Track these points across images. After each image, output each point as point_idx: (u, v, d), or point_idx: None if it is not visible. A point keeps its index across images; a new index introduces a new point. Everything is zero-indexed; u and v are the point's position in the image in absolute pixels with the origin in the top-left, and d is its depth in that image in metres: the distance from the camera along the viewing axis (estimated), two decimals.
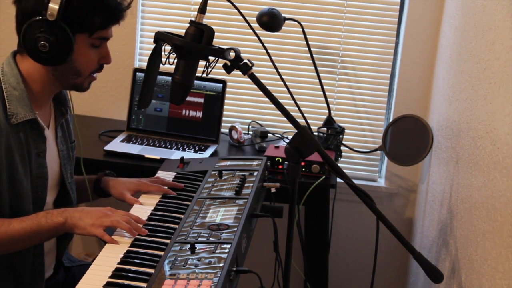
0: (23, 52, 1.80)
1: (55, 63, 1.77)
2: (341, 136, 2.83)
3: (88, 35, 1.78)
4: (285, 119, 1.73)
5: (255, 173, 2.00)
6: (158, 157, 2.61)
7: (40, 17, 1.71)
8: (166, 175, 2.10)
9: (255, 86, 1.71)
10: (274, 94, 1.71)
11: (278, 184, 1.99)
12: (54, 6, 1.69)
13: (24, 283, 1.85)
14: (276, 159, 2.61)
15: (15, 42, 1.84)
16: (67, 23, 1.72)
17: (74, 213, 1.74)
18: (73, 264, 2.13)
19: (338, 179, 2.43)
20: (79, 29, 1.75)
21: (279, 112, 1.72)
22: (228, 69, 1.71)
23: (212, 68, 1.76)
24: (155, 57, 1.77)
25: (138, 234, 1.70)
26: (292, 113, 1.72)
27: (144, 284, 1.46)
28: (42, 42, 1.71)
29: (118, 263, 1.57)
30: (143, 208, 1.88)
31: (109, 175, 2.10)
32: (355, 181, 1.79)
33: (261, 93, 1.71)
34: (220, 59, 1.73)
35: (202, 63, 1.76)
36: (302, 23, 2.80)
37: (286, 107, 1.72)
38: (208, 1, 1.73)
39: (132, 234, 1.69)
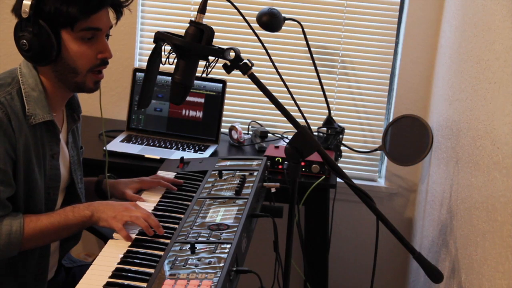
0: None
1: (43, 61, 1.75)
2: (341, 136, 2.83)
3: (71, 28, 1.73)
4: (285, 119, 1.73)
5: (255, 173, 2.00)
6: (158, 157, 2.61)
7: (20, 19, 1.71)
8: (166, 175, 2.10)
9: (255, 86, 1.71)
10: (274, 94, 1.71)
11: (278, 184, 1.99)
12: (26, 2, 1.69)
13: (27, 285, 1.85)
14: (276, 159, 2.61)
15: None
16: (45, 20, 1.71)
17: (100, 206, 1.77)
18: (73, 265, 2.13)
19: (338, 179, 2.42)
20: (59, 24, 1.72)
21: (279, 112, 1.72)
22: (228, 69, 1.71)
23: (212, 68, 1.76)
24: (155, 57, 1.76)
25: (145, 234, 1.70)
26: (292, 113, 1.72)
27: (144, 284, 1.46)
28: (22, 41, 1.71)
29: (118, 263, 1.57)
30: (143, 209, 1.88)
31: (109, 178, 2.10)
32: (355, 181, 1.79)
33: (261, 93, 1.71)
34: (220, 59, 1.73)
35: (202, 63, 1.76)
36: (302, 23, 2.80)
37: (286, 107, 1.72)
38: (208, 1, 1.73)
39: (149, 233, 1.71)
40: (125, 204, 1.78)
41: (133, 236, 1.71)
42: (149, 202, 1.92)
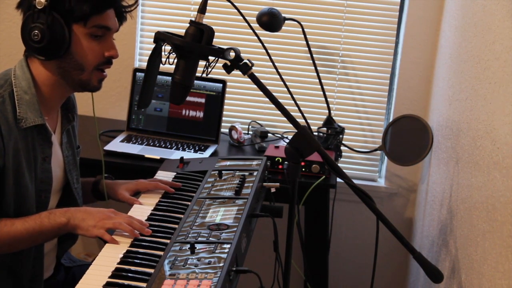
0: (29, 54, 1.80)
1: (52, 54, 1.75)
2: (341, 136, 2.83)
3: (83, 23, 1.75)
4: (285, 119, 1.73)
5: (255, 173, 2.00)
6: (158, 157, 2.61)
7: (32, 10, 1.71)
8: (166, 175, 2.11)
9: (255, 86, 1.71)
10: (274, 94, 1.71)
11: (278, 184, 1.99)
12: None
13: (23, 285, 1.85)
14: (276, 159, 2.60)
15: (15, 42, 1.84)
16: (59, 13, 1.71)
17: (77, 213, 1.74)
18: (73, 264, 2.13)
19: (338, 179, 2.42)
20: (73, 18, 1.74)
21: (279, 112, 1.72)
22: (228, 69, 1.71)
23: (212, 68, 1.76)
24: (155, 57, 1.76)
25: (141, 234, 1.69)
26: (292, 113, 1.72)
27: (144, 284, 1.46)
28: (34, 31, 1.71)
29: (118, 263, 1.57)
30: (143, 208, 1.88)
31: (107, 179, 2.10)
32: (355, 181, 1.79)
33: (261, 93, 1.71)
34: (220, 59, 1.73)
35: (202, 63, 1.76)
36: (302, 23, 2.80)
37: (286, 107, 1.72)
38: (208, 1, 1.73)
39: (134, 236, 1.68)
40: (105, 212, 1.74)
41: (126, 240, 1.69)
42: (146, 205, 1.90)
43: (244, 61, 1.69)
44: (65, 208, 1.79)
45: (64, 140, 1.94)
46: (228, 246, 1.55)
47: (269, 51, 2.55)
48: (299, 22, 2.80)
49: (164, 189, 1.97)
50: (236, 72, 1.73)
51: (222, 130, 2.88)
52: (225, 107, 2.88)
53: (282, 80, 2.62)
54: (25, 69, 1.79)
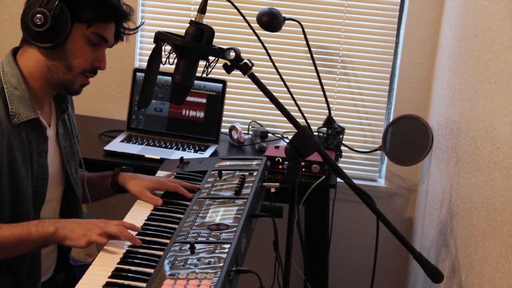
0: (23, 43, 1.81)
1: (48, 42, 1.75)
2: (341, 136, 2.83)
3: (87, 26, 1.78)
4: (285, 119, 1.73)
5: (255, 173, 2.00)
6: (158, 157, 2.61)
7: None
8: (165, 175, 2.10)
9: (255, 86, 1.71)
10: (274, 94, 1.71)
11: (278, 184, 1.99)
12: None
13: (22, 283, 1.84)
14: (276, 159, 2.60)
15: (15, 42, 1.84)
16: (68, 8, 1.73)
17: (67, 224, 1.70)
18: (73, 264, 2.13)
19: (338, 179, 2.42)
20: (78, 17, 1.76)
21: (279, 112, 1.72)
22: (228, 69, 1.71)
23: (212, 68, 1.76)
24: (155, 57, 1.76)
25: (133, 246, 1.67)
26: (292, 113, 1.72)
27: (144, 284, 1.46)
28: (38, 15, 1.72)
29: (118, 263, 1.57)
30: (143, 208, 1.88)
31: (125, 171, 2.08)
32: (355, 181, 1.79)
33: (261, 93, 1.71)
34: (220, 59, 1.73)
35: (202, 63, 1.76)
36: (302, 23, 2.80)
37: (286, 107, 1.72)
38: (208, 1, 1.73)
39: (122, 236, 1.66)
40: (95, 221, 1.72)
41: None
42: (146, 205, 1.90)
43: (244, 61, 1.69)
44: (55, 218, 1.78)
45: (60, 131, 1.93)
46: (228, 246, 1.55)
47: (269, 51, 2.55)
48: (299, 22, 2.80)
49: (183, 194, 1.93)
50: (236, 72, 1.73)
51: (222, 130, 2.88)
52: (225, 107, 2.88)
53: (282, 80, 2.62)
54: (13, 65, 1.80)
